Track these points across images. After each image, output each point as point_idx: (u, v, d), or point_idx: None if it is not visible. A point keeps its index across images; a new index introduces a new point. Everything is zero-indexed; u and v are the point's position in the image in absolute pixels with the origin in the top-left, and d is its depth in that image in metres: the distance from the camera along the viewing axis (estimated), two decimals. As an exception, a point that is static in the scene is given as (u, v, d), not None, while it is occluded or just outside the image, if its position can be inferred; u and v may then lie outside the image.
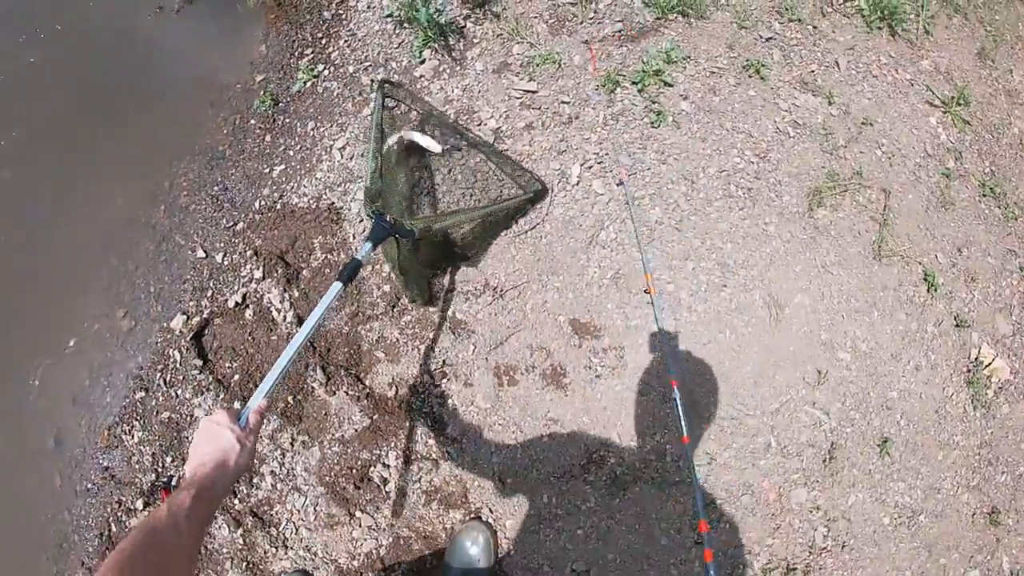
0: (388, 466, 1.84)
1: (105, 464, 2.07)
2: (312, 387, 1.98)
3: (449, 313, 1.92)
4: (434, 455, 1.81)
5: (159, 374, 2.15)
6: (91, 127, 2.49)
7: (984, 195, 2.18)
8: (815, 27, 2.25)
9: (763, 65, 2.12)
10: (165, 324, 2.21)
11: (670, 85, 2.07)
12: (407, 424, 1.85)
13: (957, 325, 2.03)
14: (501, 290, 1.89)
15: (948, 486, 1.94)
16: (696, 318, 1.87)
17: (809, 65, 2.18)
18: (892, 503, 1.88)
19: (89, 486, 2.04)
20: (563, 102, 2.08)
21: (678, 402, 1.72)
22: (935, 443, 1.95)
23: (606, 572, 1.71)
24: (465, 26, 2.28)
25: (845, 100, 2.16)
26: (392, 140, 1.99)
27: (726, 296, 1.89)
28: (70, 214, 2.43)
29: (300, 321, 2.05)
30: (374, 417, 1.87)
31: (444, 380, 1.87)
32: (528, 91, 2.11)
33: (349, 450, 1.87)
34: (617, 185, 1.94)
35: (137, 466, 2.05)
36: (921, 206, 2.09)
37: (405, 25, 2.31)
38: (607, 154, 1.99)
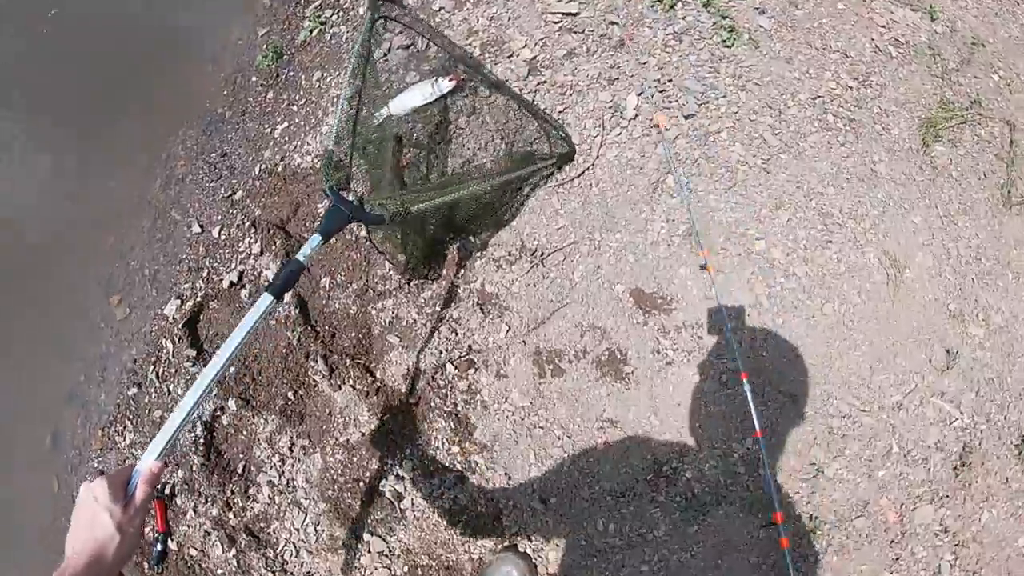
0: (403, 478, 1.07)
1: (101, 468, 1.36)
2: (315, 380, 1.21)
3: (476, 285, 1.12)
4: (459, 466, 1.04)
5: (152, 367, 1.38)
6: (82, 95, 1.69)
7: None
8: (908, -68, 1.37)
9: (854, -28, 1.26)
10: (159, 311, 1.43)
11: (743, -4, 1.22)
12: (425, 426, 1.08)
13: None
14: (541, 254, 1.08)
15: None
16: (795, 284, 1.04)
17: (907, -27, 1.31)
18: (1039, 518, 1.08)
19: None
20: (612, 23, 1.23)
21: (748, 393, 0.93)
22: None
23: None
24: (486, -49, 1.43)
25: (949, 16, 1.29)
26: (383, 114, 1.17)
27: (832, 255, 1.06)
28: (64, 192, 1.66)
29: (302, 304, 1.27)
30: (384, 417, 1.10)
31: (471, 370, 1.08)
32: (568, 13, 1.27)
33: (355, 458, 1.10)
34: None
35: None
36: (1053, 143, 1.24)
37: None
38: (671, 80, 1.15)
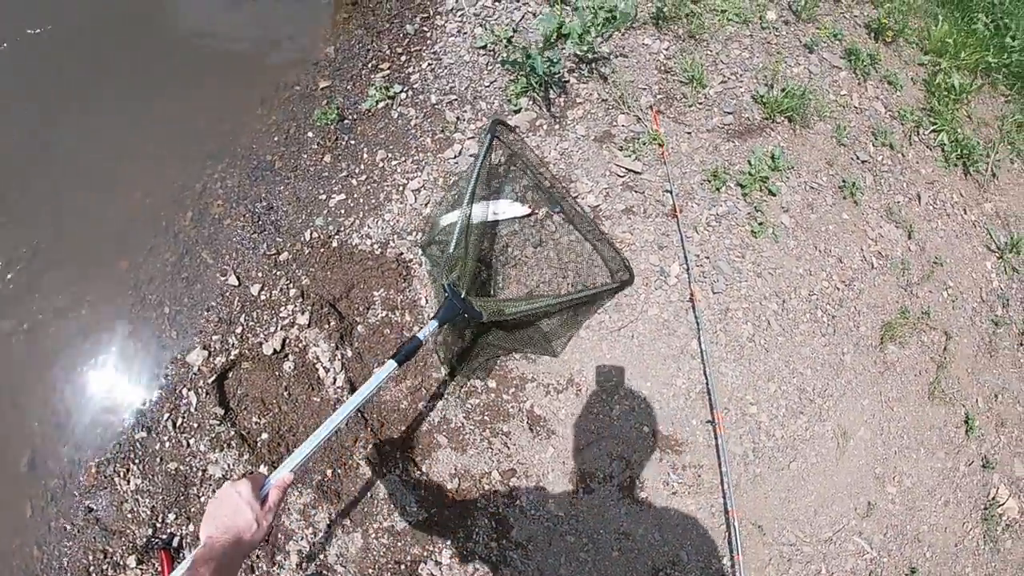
0: (440, 564, 1.81)
1: (89, 505, 1.89)
2: (358, 464, 1.90)
3: (527, 406, 1.91)
4: (494, 558, 1.80)
5: (167, 415, 1.98)
6: (118, 98, 2.21)
7: (1021, 344, 2.46)
8: (903, 155, 2.43)
9: (857, 188, 2.27)
10: (179, 355, 2.03)
11: (774, 194, 2.17)
12: (467, 521, 1.83)
13: (984, 466, 2.29)
14: (587, 390, 1.91)
15: (959, 617, 2.20)
16: (773, 444, 1.98)
17: (896, 195, 2.36)
18: (915, 635, 2.11)
19: (68, 526, 1.86)
20: (666, 191, 2.12)
21: (735, 528, 1.83)
22: (951, 574, 2.20)
23: None
24: (568, 81, 2.25)
25: (922, 236, 2.36)
26: (476, 213, 1.94)
27: (802, 424, 2.02)
28: (82, 200, 2.15)
29: (352, 388, 1.95)
30: (432, 510, 1.83)
31: (513, 479, 1.86)
32: (632, 171, 2.13)
33: (400, 543, 1.81)
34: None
35: (131, 515, 1.88)
36: (972, 351, 2.34)
37: (501, 64, 2.25)
38: (708, 258, 2.06)
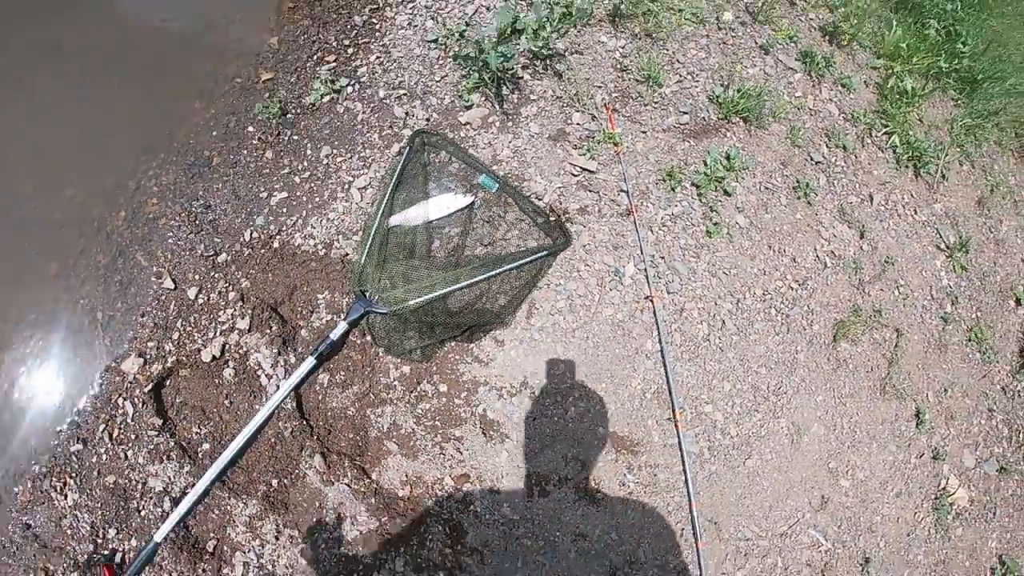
0: (395, 572, 1.90)
1: (27, 521, 1.95)
2: (305, 472, 1.98)
3: (479, 410, 2.04)
4: (449, 565, 1.92)
5: (103, 426, 2.03)
6: (45, 87, 2.24)
7: (970, 340, 2.74)
8: (856, 157, 2.68)
9: (811, 189, 2.49)
10: (113, 363, 2.08)
11: (729, 195, 2.37)
12: (421, 528, 1.94)
13: (934, 457, 2.55)
14: (542, 392, 2.04)
15: (911, 601, 2.43)
16: (728, 442, 2.16)
17: (849, 196, 2.60)
18: (869, 622, 2.33)
19: (6, 543, 1.93)
20: (622, 190, 2.29)
21: (695, 518, 2.01)
22: (903, 562, 2.43)
23: None
24: (522, 77, 2.40)
25: (874, 236, 2.61)
26: (414, 218, 2.15)
27: (757, 421, 2.21)
28: (7, 199, 2.17)
29: (298, 398, 2.04)
30: (383, 518, 1.93)
31: (467, 484, 1.98)
32: (587, 170, 2.29)
33: (351, 551, 1.90)
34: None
35: (70, 532, 1.94)
36: (923, 347, 2.59)
37: (453, 59, 2.38)
38: (663, 258, 2.23)
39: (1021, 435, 2.74)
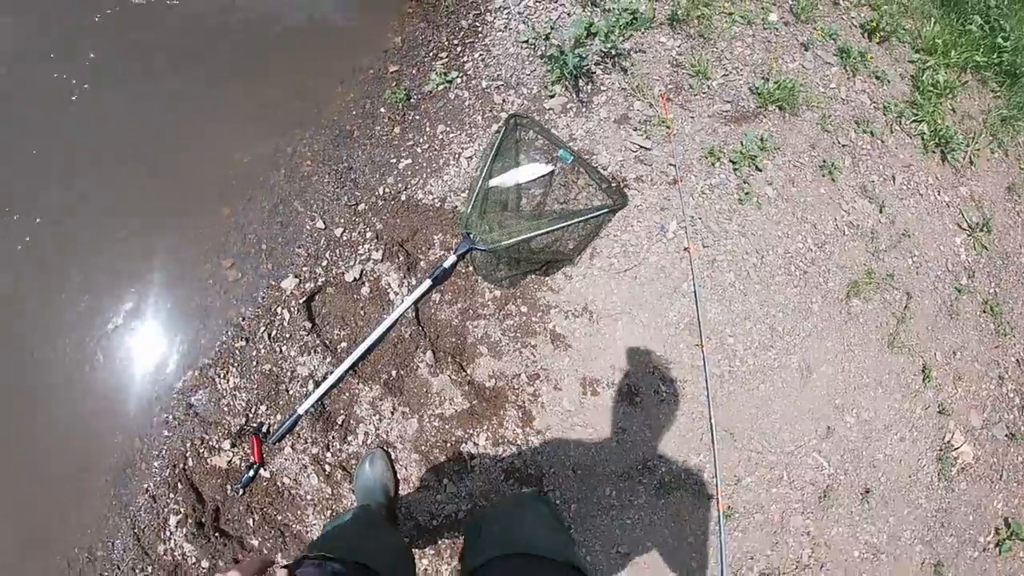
0: (477, 445, 2.64)
1: (191, 401, 2.72)
2: (418, 366, 2.74)
3: (550, 326, 2.73)
4: (519, 441, 2.63)
5: (263, 328, 2.85)
6: (220, 72, 3.11)
7: (984, 312, 3.16)
8: (883, 142, 3.16)
9: (836, 168, 3.01)
10: (274, 282, 2.91)
11: (760, 170, 2.93)
12: (500, 412, 2.66)
13: (939, 412, 3.01)
14: (598, 316, 2.72)
15: (907, 537, 2.92)
16: (746, 368, 2.75)
17: (871, 175, 3.09)
18: (863, 541, 2.84)
19: (169, 419, 2.66)
20: (671, 164, 2.91)
21: (713, 427, 2.62)
22: (904, 501, 2.93)
23: (643, 557, 2.59)
24: (595, 72, 3.06)
25: (893, 211, 3.09)
26: (505, 180, 2.83)
27: (771, 356, 2.79)
28: (191, 154, 3.05)
29: (417, 310, 2.81)
30: (473, 402, 2.66)
31: (537, 381, 2.68)
32: (643, 147, 2.93)
33: (447, 426, 2.65)
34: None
35: (227, 409, 2.72)
36: (933, 312, 3.06)
37: (540, 58, 3.06)
38: (700, 219, 2.84)
39: (1031, 403, 3.14)
